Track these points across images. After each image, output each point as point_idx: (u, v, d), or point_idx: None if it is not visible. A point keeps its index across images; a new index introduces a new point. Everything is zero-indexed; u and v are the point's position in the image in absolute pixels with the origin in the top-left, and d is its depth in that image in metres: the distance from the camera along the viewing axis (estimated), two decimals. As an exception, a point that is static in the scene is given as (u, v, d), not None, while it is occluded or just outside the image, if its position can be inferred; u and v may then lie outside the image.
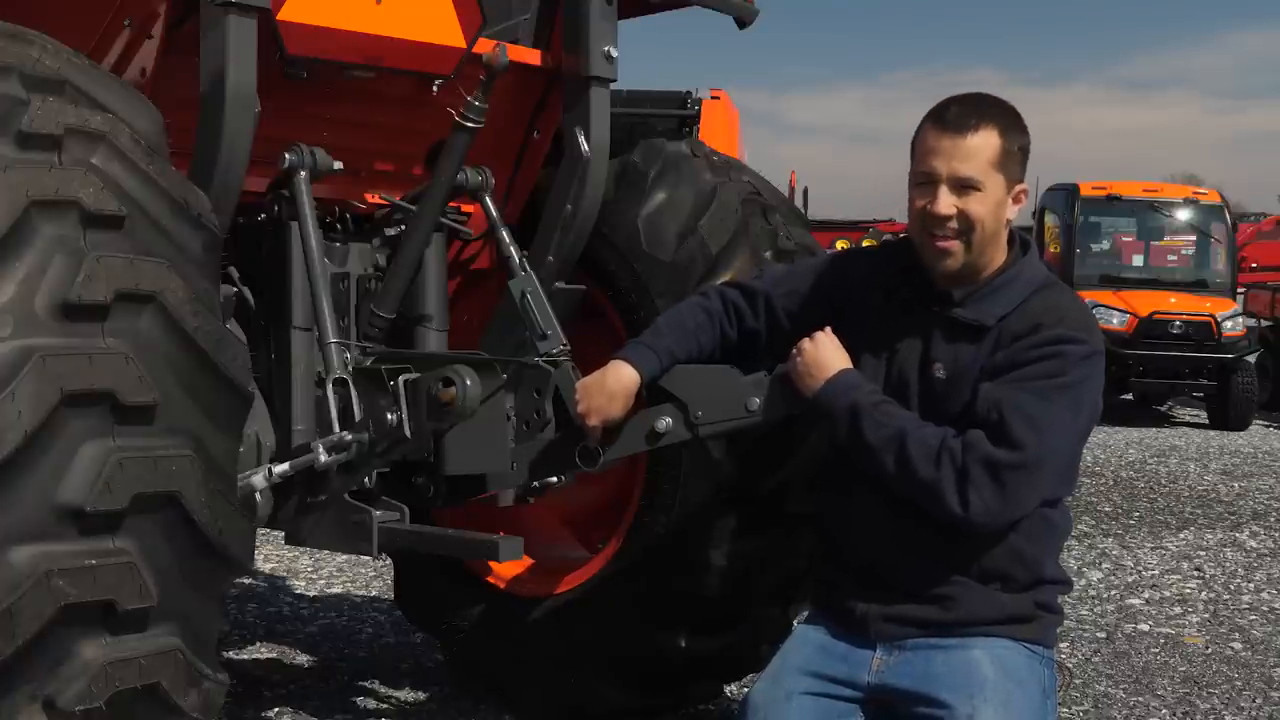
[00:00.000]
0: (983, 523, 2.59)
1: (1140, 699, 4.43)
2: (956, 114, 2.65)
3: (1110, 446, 11.77)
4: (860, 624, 2.72)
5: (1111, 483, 9.65)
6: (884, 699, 2.69)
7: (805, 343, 2.77)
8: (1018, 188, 2.70)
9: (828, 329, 2.79)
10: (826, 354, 2.75)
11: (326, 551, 5.19)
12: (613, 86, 3.43)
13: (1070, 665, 4.78)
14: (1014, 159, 2.67)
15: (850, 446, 2.70)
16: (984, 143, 2.63)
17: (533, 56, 3.41)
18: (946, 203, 2.63)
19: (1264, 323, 15.48)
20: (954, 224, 2.64)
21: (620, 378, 2.90)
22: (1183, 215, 15.08)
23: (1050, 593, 2.76)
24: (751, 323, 2.97)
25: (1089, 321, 2.74)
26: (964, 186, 2.62)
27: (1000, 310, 2.68)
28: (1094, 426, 2.77)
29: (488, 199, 3.41)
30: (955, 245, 2.66)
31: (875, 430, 2.64)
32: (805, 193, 19.40)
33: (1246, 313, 15.12)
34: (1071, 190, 14.88)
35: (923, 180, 2.67)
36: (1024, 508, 2.62)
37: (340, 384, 3.02)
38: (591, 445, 3.00)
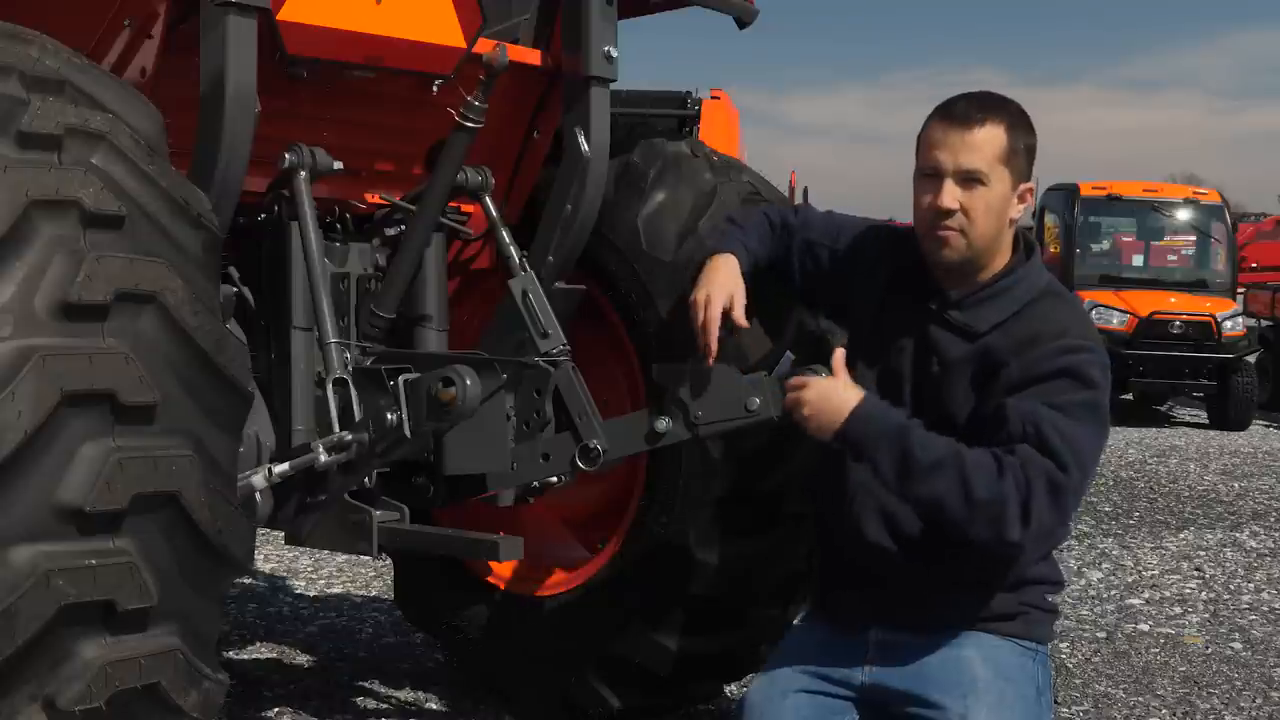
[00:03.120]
0: (1034, 543, 2.50)
1: (1140, 699, 4.43)
2: (964, 109, 2.65)
3: (1110, 446, 11.75)
4: (851, 624, 2.72)
5: (1111, 483, 9.65)
6: (878, 699, 2.69)
7: (812, 382, 2.67)
8: (1023, 186, 2.68)
9: (839, 361, 2.70)
10: (835, 387, 2.65)
11: (326, 551, 5.19)
12: (613, 86, 3.43)
13: (1070, 665, 4.78)
14: (1020, 156, 2.65)
15: (894, 471, 2.54)
16: (990, 136, 2.61)
17: (533, 56, 3.41)
18: (950, 196, 2.61)
19: (1264, 323, 15.48)
20: (957, 218, 2.62)
21: (729, 262, 2.93)
22: (1183, 215, 15.08)
23: (1037, 592, 2.72)
24: (782, 249, 3.03)
25: (1090, 331, 2.69)
26: (969, 180, 2.60)
27: (994, 318, 2.65)
28: None
29: (488, 199, 3.41)
30: (957, 238, 2.64)
31: (926, 450, 2.51)
32: (805, 193, 19.36)
33: (1246, 313, 15.12)
34: (1071, 190, 14.87)
35: (929, 173, 2.65)
36: (1066, 533, 2.56)
37: (340, 384, 3.02)
38: (592, 445, 3.01)
